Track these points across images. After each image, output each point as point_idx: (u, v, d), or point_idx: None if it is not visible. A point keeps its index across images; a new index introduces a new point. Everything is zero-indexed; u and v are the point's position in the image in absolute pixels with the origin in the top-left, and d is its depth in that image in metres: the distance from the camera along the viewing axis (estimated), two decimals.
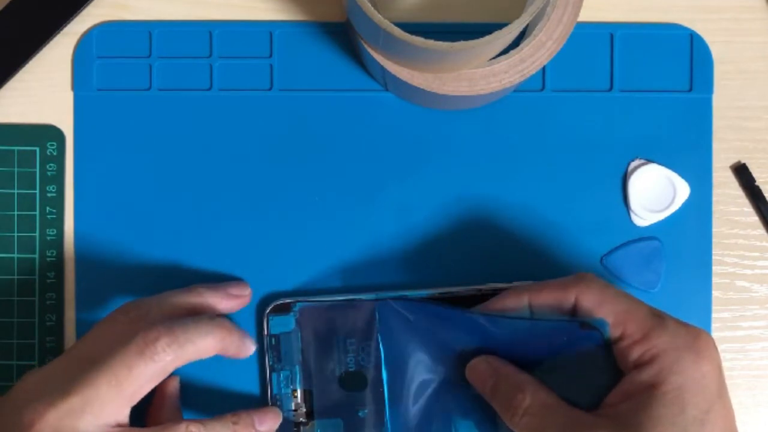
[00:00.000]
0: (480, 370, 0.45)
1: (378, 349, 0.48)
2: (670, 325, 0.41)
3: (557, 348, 0.43)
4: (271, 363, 0.49)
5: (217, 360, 0.48)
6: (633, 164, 0.51)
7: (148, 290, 0.50)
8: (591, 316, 0.42)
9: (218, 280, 0.50)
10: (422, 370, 0.47)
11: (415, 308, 0.47)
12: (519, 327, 0.44)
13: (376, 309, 0.48)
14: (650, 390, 0.40)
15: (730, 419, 0.41)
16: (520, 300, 0.44)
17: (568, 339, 0.43)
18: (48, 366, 0.45)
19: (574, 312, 0.43)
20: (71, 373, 0.43)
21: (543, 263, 0.51)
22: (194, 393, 0.50)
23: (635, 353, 0.41)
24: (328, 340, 0.49)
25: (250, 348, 0.47)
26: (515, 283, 0.48)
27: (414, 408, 0.47)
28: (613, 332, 0.42)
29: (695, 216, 0.51)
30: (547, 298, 0.43)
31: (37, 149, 0.51)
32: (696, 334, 0.41)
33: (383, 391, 0.48)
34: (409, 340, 0.47)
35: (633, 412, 0.40)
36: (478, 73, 0.46)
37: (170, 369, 0.43)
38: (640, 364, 0.41)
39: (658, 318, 0.41)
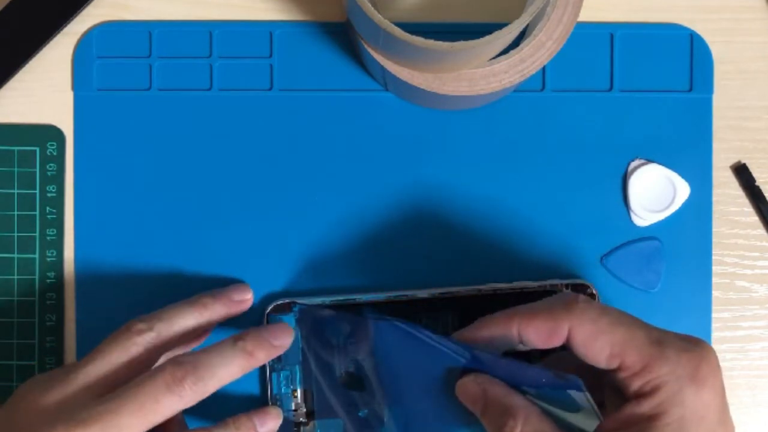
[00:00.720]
0: (470, 390, 0.43)
1: (373, 356, 0.48)
2: (671, 353, 0.39)
3: (540, 386, 0.42)
4: (271, 363, 0.49)
5: None
6: (633, 164, 0.51)
7: (148, 290, 0.50)
8: (587, 348, 0.40)
9: (218, 279, 0.50)
10: (415, 383, 0.47)
11: (399, 330, 0.46)
12: (499, 362, 0.43)
13: (371, 325, 0.47)
14: (651, 421, 0.38)
15: None
16: (509, 329, 0.42)
17: (547, 383, 0.41)
18: (54, 386, 0.44)
19: (566, 343, 0.41)
20: (86, 399, 0.43)
21: (543, 263, 0.51)
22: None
23: (635, 385, 0.39)
24: (328, 340, 0.49)
25: (286, 343, 0.47)
26: (524, 283, 0.48)
27: (412, 412, 0.47)
28: (610, 363, 0.40)
29: (695, 216, 0.51)
30: (538, 329, 0.41)
31: (37, 149, 0.51)
32: (698, 361, 0.39)
33: (382, 396, 0.47)
34: (402, 354, 0.47)
35: None
36: (478, 73, 0.46)
37: (192, 403, 0.43)
38: (641, 395, 0.39)
39: (658, 346, 0.39)
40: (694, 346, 0.40)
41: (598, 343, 0.40)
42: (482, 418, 0.42)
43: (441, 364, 0.44)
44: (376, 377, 0.48)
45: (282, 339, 0.46)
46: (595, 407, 0.41)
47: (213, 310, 0.48)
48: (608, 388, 0.42)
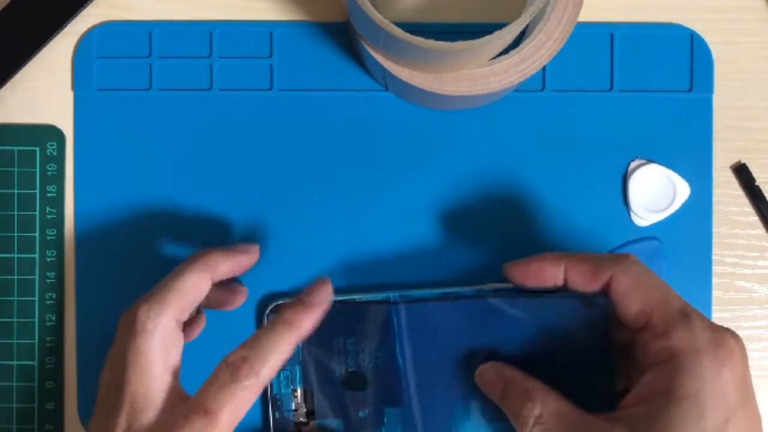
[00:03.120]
0: (488, 376, 0.44)
1: (386, 350, 0.48)
2: (696, 326, 0.39)
3: (562, 333, 0.43)
4: None
5: (217, 357, 0.48)
6: (633, 164, 0.51)
7: (149, 289, 0.50)
8: (620, 299, 0.41)
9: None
10: (431, 369, 0.47)
11: (420, 309, 0.47)
12: (525, 306, 0.44)
13: (392, 312, 0.48)
14: (667, 394, 0.38)
15: (754, 429, 0.39)
16: (558, 266, 0.43)
17: (574, 318, 0.43)
18: (102, 413, 0.43)
19: (605, 290, 0.42)
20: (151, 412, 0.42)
21: None
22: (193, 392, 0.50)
23: (654, 347, 0.40)
24: (328, 340, 0.49)
25: (325, 302, 0.43)
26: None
27: (417, 407, 0.47)
28: (638, 320, 0.41)
29: (695, 216, 0.51)
30: (584, 269, 0.42)
31: (37, 149, 0.51)
32: (720, 339, 0.39)
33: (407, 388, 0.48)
34: (420, 340, 0.47)
35: (648, 417, 0.38)
36: (478, 73, 0.46)
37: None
38: (657, 362, 0.39)
39: (686, 316, 0.40)
40: (722, 328, 0.40)
41: (633, 296, 0.41)
42: (501, 403, 0.43)
43: (457, 331, 0.46)
44: (378, 369, 0.48)
45: (316, 295, 0.43)
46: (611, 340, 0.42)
47: (220, 268, 0.46)
48: (635, 374, 0.42)
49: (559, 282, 0.43)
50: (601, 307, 0.43)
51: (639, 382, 0.40)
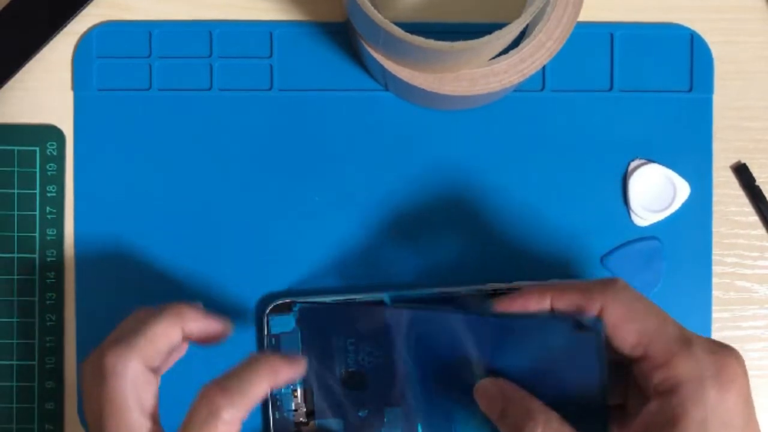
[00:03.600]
0: (488, 392, 0.43)
1: (386, 350, 0.48)
2: (697, 351, 0.38)
3: (555, 355, 0.43)
4: None
5: (216, 361, 0.48)
6: (633, 164, 0.51)
7: (149, 290, 0.50)
8: (615, 331, 0.40)
9: (218, 279, 0.51)
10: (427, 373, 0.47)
11: (417, 315, 0.47)
12: (515, 328, 0.43)
13: (392, 312, 0.47)
14: (672, 423, 0.38)
15: None
16: (543, 301, 0.42)
17: (564, 343, 0.42)
18: None
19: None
20: None
21: (543, 263, 0.51)
22: (193, 394, 0.50)
23: (656, 378, 0.39)
24: (328, 340, 0.49)
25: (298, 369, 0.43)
26: (524, 283, 0.48)
27: (417, 407, 0.47)
28: (635, 350, 0.39)
29: (695, 216, 0.51)
30: (571, 301, 0.41)
31: (37, 149, 0.51)
32: (723, 362, 0.38)
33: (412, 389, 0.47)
34: (420, 341, 0.47)
35: None
36: (478, 73, 0.46)
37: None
38: (661, 392, 0.38)
39: (685, 343, 0.39)
40: (723, 349, 0.39)
41: (627, 327, 0.39)
42: (499, 422, 0.42)
43: (451, 342, 0.45)
44: (379, 369, 0.48)
45: (297, 360, 0.43)
46: (607, 363, 0.41)
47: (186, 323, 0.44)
48: (632, 391, 0.42)
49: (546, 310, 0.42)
50: (594, 331, 0.41)
51: (643, 412, 0.39)
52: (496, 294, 0.49)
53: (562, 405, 0.41)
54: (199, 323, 0.44)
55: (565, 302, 0.41)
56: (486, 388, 0.43)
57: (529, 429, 0.40)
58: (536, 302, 0.42)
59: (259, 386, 0.41)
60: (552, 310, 0.42)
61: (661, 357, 0.39)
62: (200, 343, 0.45)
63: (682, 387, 0.38)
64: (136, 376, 0.41)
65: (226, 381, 0.40)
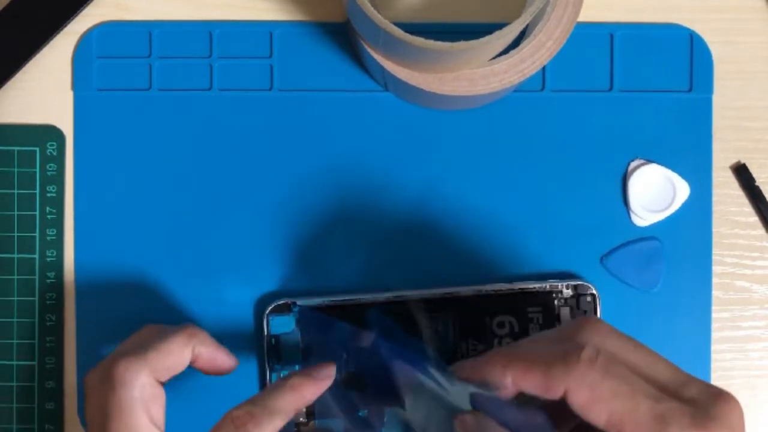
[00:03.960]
0: (468, 426, 0.40)
1: (376, 350, 0.48)
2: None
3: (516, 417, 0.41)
4: (271, 363, 0.49)
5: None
6: (633, 164, 0.51)
7: (149, 290, 0.50)
8: (583, 412, 0.37)
9: (218, 279, 0.51)
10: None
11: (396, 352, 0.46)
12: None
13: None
14: None
15: None
16: (504, 377, 0.39)
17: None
18: None
19: (565, 399, 0.38)
20: None
21: (543, 263, 0.51)
22: (193, 394, 0.50)
23: None
24: (328, 340, 0.49)
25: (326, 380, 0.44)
26: (525, 284, 0.48)
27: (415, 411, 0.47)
28: (609, 429, 0.37)
29: (695, 216, 0.51)
30: (533, 383, 0.38)
31: (37, 149, 0.51)
32: None
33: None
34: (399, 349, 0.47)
35: None
36: (478, 73, 0.46)
37: None
38: None
39: (659, 422, 0.36)
40: (707, 416, 0.36)
41: (594, 410, 0.37)
42: None
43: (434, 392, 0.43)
44: (378, 369, 0.48)
45: (322, 370, 0.44)
46: None
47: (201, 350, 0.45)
48: None
49: (510, 391, 0.39)
50: (536, 405, 0.39)
51: None
52: (497, 294, 0.49)
53: None
54: (209, 348, 0.45)
55: (527, 384, 0.38)
56: (466, 421, 0.41)
57: None
58: (498, 377, 0.39)
59: (285, 413, 0.41)
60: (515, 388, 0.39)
61: None
62: (204, 370, 0.46)
63: None
64: (145, 387, 0.42)
65: (253, 406, 0.41)
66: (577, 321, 0.40)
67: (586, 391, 0.37)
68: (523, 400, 0.40)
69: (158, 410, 0.42)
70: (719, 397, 0.37)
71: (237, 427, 0.40)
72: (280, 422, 0.41)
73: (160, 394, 0.43)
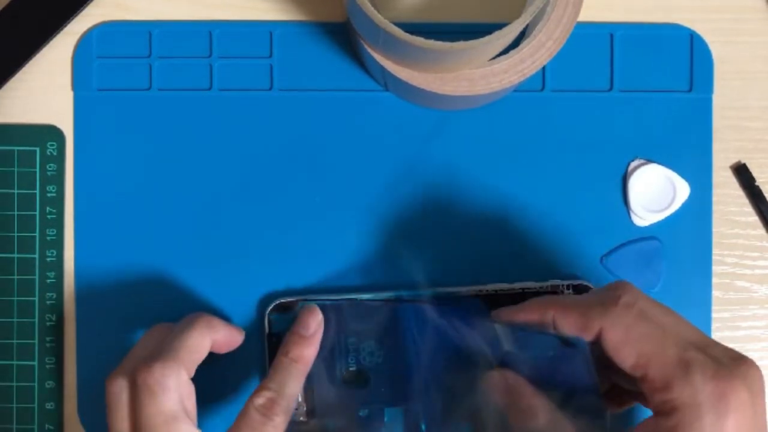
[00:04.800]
0: (495, 383, 0.44)
1: (386, 349, 0.48)
2: (696, 378, 0.38)
3: (548, 362, 0.43)
4: (272, 362, 0.49)
5: (217, 360, 0.48)
6: (633, 164, 0.51)
7: (149, 289, 0.50)
8: (614, 353, 0.40)
9: (218, 278, 0.51)
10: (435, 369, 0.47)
11: (420, 309, 0.47)
12: (512, 333, 0.44)
13: (392, 311, 0.48)
14: None
15: None
16: (546, 316, 0.42)
17: (554, 354, 0.42)
18: None
19: (598, 339, 0.41)
20: None
21: (543, 263, 0.51)
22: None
23: (655, 400, 0.39)
24: (328, 339, 0.49)
25: (313, 326, 0.47)
26: (525, 284, 0.49)
27: (418, 406, 0.47)
28: (634, 372, 0.39)
29: (695, 216, 0.51)
30: (572, 322, 0.41)
31: (37, 149, 0.51)
32: (723, 390, 0.37)
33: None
34: (420, 340, 0.47)
35: None
36: (478, 73, 0.46)
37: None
38: (659, 413, 0.39)
39: (684, 368, 0.38)
40: (728, 374, 0.38)
41: (625, 349, 0.39)
42: (507, 411, 0.43)
43: (456, 342, 0.46)
44: (380, 368, 0.48)
45: (310, 326, 0.47)
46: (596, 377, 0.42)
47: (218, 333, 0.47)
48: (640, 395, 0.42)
49: (550, 328, 0.43)
50: (579, 347, 0.42)
51: (643, 422, 0.39)
52: (497, 294, 0.49)
53: (560, 403, 0.42)
54: (225, 332, 0.47)
55: (565, 323, 0.42)
56: (493, 379, 0.44)
57: (535, 422, 0.41)
58: (539, 316, 0.43)
59: (297, 385, 0.46)
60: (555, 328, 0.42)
61: (659, 381, 0.39)
62: (218, 351, 0.47)
63: (679, 412, 0.38)
64: (183, 387, 0.43)
65: (272, 392, 0.44)
66: (612, 282, 0.42)
67: (621, 331, 0.40)
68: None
69: (193, 407, 0.44)
70: (742, 359, 0.39)
71: (264, 414, 0.43)
72: (295, 395, 0.45)
73: (193, 389, 0.44)
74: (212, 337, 0.46)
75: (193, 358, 0.45)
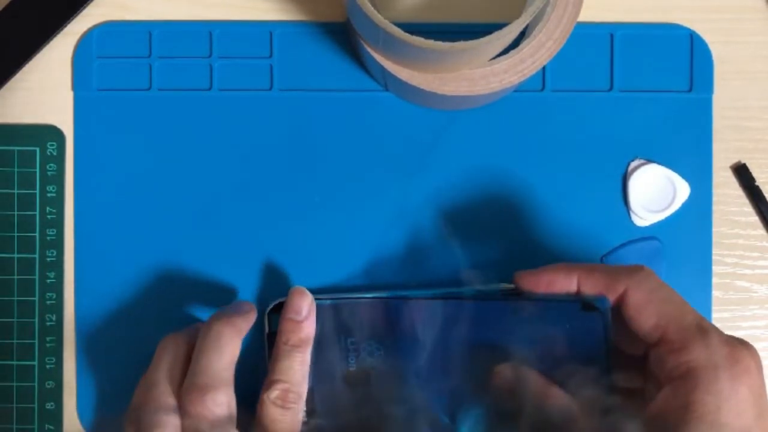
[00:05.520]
0: (506, 377, 0.44)
1: (387, 348, 0.48)
2: (713, 340, 0.39)
3: (561, 334, 0.44)
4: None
5: None
6: (633, 164, 0.51)
7: (149, 289, 0.50)
8: (635, 313, 0.42)
9: (218, 278, 0.51)
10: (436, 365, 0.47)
11: (421, 308, 0.48)
12: (522, 308, 0.45)
13: (393, 311, 0.48)
14: (685, 410, 0.38)
15: None
16: (570, 278, 0.43)
17: (570, 323, 0.43)
18: None
19: (619, 302, 0.42)
20: None
21: (543, 263, 0.51)
22: None
23: (670, 363, 0.40)
24: (329, 338, 0.49)
25: (304, 310, 0.48)
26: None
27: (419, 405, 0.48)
28: (653, 333, 0.41)
29: (695, 216, 0.51)
30: (597, 282, 0.43)
31: (37, 149, 0.51)
32: (737, 355, 0.39)
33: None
34: (421, 339, 0.48)
35: None
36: (478, 73, 0.46)
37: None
38: (675, 377, 0.39)
39: (702, 331, 0.40)
40: (739, 343, 0.40)
41: (647, 310, 0.41)
42: (520, 404, 0.43)
43: (458, 331, 0.46)
44: (380, 366, 0.48)
45: (302, 309, 0.47)
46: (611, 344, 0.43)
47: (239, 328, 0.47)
48: (648, 379, 0.43)
49: (572, 291, 0.44)
50: (599, 311, 0.43)
51: (658, 397, 0.40)
52: (497, 294, 0.49)
53: (566, 380, 0.42)
54: (246, 324, 0.47)
55: (591, 283, 0.43)
56: (504, 373, 0.45)
57: (550, 412, 0.42)
58: (563, 280, 0.44)
59: (304, 369, 0.47)
60: (577, 291, 0.44)
61: (677, 342, 0.40)
62: None
63: (696, 373, 0.39)
64: (233, 406, 0.44)
65: (280, 382, 0.46)
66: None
67: (645, 292, 0.41)
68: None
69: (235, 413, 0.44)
70: (743, 340, 0.41)
71: (282, 406, 0.45)
72: (304, 378, 0.47)
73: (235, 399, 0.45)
74: (240, 337, 0.46)
75: (233, 369, 0.45)
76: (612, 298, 0.42)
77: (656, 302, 0.41)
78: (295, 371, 0.46)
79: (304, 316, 0.47)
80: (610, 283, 0.42)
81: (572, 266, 0.44)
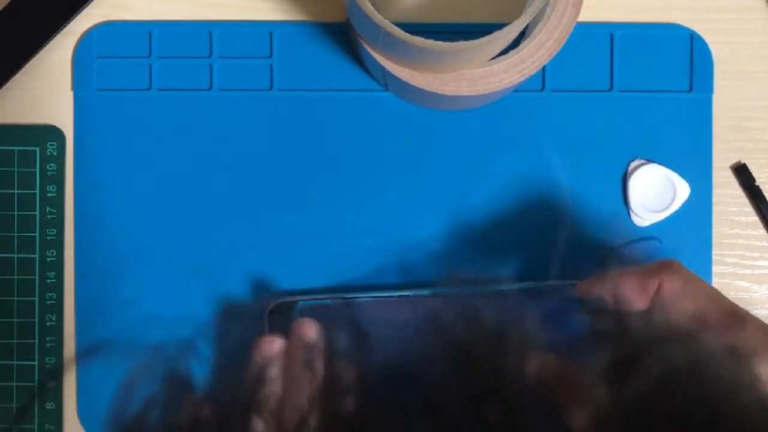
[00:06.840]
0: (536, 369, 0.45)
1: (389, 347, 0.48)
2: (750, 326, 0.40)
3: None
4: None
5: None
6: (633, 164, 0.51)
7: (149, 290, 0.50)
8: (673, 304, 0.42)
9: (217, 279, 0.51)
10: None
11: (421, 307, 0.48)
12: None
13: (393, 311, 0.48)
14: None
15: None
16: (602, 286, 0.44)
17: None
18: None
19: (656, 297, 0.43)
20: None
21: (543, 263, 0.51)
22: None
23: None
24: (328, 338, 0.49)
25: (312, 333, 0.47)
26: (528, 284, 0.49)
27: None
28: (693, 321, 0.41)
29: (695, 216, 0.51)
30: (631, 283, 0.43)
31: (37, 149, 0.51)
32: None
33: None
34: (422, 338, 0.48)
35: None
36: (478, 73, 0.46)
37: None
38: None
39: (739, 318, 0.41)
40: None
41: (685, 299, 0.41)
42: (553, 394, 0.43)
43: None
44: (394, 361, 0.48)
45: (308, 332, 0.46)
46: None
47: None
48: None
49: (609, 300, 0.44)
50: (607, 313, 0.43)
51: None
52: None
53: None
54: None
55: (625, 284, 0.43)
56: (533, 362, 0.44)
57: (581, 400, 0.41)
58: (597, 289, 0.44)
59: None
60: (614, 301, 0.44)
61: (718, 327, 0.40)
62: None
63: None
64: None
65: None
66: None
67: (680, 282, 0.42)
68: None
69: None
70: None
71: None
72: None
73: None
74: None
75: None
76: (649, 293, 0.43)
77: (693, 290, 0.42)
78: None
79: (308, 337, 0.46)
80: (643, 281, 0.43)
81: (605, 275, 0.44)
